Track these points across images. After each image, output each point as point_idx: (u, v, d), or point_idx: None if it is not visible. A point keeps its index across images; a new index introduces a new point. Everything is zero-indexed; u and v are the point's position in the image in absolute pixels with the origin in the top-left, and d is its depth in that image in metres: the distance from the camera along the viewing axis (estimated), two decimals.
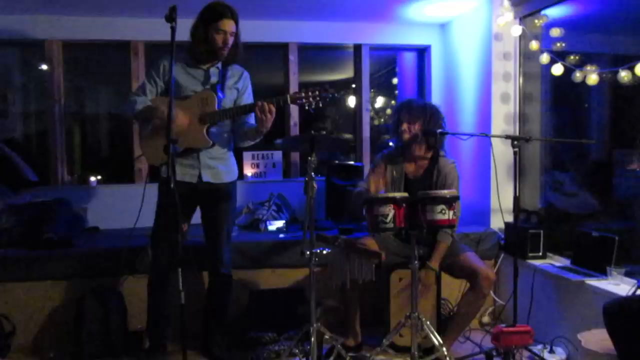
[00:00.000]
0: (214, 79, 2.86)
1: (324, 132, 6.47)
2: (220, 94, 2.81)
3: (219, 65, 2.89)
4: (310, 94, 2.71)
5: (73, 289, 3.33)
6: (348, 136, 5.16)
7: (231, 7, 2.79)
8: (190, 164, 2.83)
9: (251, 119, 2.95)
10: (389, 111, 6.20)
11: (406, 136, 3.17)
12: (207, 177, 2.87)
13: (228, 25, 2.77)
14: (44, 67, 4.33)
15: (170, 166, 2.27)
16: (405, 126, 3.17)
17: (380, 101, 6.97)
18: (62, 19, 4.21)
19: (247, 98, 2.98)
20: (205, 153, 2.84)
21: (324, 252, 2.70)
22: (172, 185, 2.25)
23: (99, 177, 4.51)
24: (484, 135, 3.35)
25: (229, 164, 2.99)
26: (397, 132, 3.24)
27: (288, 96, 2.74)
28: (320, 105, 2.73)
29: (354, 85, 4.99)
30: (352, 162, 4.62)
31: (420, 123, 3.17)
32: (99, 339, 3.11)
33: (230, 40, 2.80)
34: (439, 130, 3.18)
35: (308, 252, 2.64)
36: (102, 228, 4.20)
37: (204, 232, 3.00)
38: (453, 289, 3.63)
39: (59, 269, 3.34)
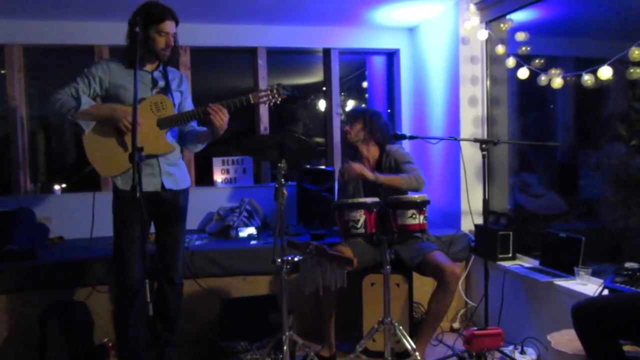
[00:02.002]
0: (161, 83, 2.78)
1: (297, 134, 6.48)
2: (173, 97, 2.76)
3: (161, 68, 2.81)
4: (269, 91, 2.72)
5: (37, 302, 3.22)
6: (319, 140, 5.15)
7: (170, 8, 2.70)
8: (151, 173, 2.73)
9: (195, 122, 2.92)
10: None
11: (350, 137, 3.38)
12: (169, 183, 2.80)
13: (170, 27, 2.69)
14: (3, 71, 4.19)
15: (136, 175, 2.21)
16: (347, 128, 3.39)
17: (350, 105, 6.99)
18: (23, 23, 4.08)
19: (189, 100, 2.96)
20: (163, 160, 2.76)
21: (295, 259, 2.67)
22: (137, 195, 2.18)
23: (64, 186, 4.38)
24: (452, 139, 3.37)
25: (183, 169, 2.93)
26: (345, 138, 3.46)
27: (250, 95, 2.69)
28: (278, 102, 2.74)
29: (324, 89, 4.98)
30: (322, 167, 4.60)
31: (360, 124, 3.35)
32: (64, 353, 3.01)
33: (171, 42, 2.73)
34: (409, 135, 3.25)
35: (279, 260, 2.61)
36: (68, 238, 4.08)
37: (156, 241, 2.91)
38: (426, 291, 3.65)
39: (21, 282, 3.22)
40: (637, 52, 2.56)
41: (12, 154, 4.18)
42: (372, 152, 3.40)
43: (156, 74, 2.78)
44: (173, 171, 2.82)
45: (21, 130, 4.18)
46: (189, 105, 2.93)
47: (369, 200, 2.59)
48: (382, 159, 3.36)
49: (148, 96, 2.71)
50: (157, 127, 2.68)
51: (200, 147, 2.96)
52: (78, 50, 4.32)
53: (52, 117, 2.97)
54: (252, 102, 2.69)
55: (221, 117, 2.65)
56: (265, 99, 2.70)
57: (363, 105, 3.67)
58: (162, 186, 2.77)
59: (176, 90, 2.84)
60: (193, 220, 4.37)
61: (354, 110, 3.59)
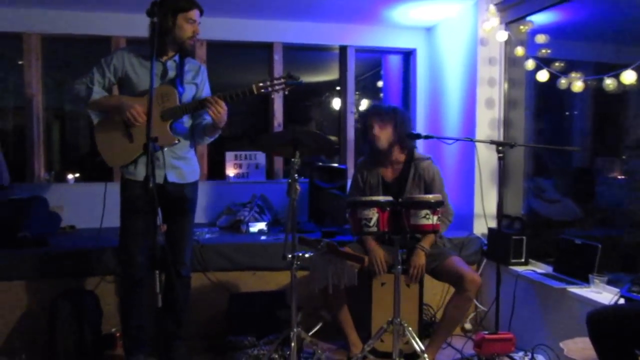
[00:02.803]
0: (171, 73, 2.75)
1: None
2: (180, 88, 2.71)
3: (177, 58, 2.78)
4: (275, 81, 2.62)
5: (47, 290, 3.23)
6: (333, 138, 5.12)
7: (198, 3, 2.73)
8: (155, 165, 2.70)
9: (207, 115, 2.84)
10: None
11: (379, 142, 3.15)
12: (172, 177, 2.77)
13: (197, 15, 2.73)
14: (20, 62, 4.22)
15: (150, 165, 2.20)
16: (377, 131, 3.16)
17: (365, 104, 6.95)
18: (41, 13, 4.10)
19: (206, 93, 2.89)
20: (168, 152, 2.74)
21: (306, 255, 2.65)
22: (150, 186, 2.18)
23: (77, 175, 4.40)
24: (469, 139, 3.32)
25: (192, 163, 2.89)
26: (367, 138, 3.23)
27: (253, 86, 2.61)
28: (286, 92, 2.67)
29: (339, 87, 4.95)
30: (335, 165, 4.57)
31: (391, 126, 3.17)
32: (72, 341, 3.01)
33: (198, 30, 2.74)
34: (424, 134, 3.19)
35: (290, 256, 2.59)
36: (79, 227, 4.09)
37: (165, 233, 2.86)
38: (435, 294, 3.62)
39: (32, 269, 3.23)
40: None
41: (27, 143, 4.20)
42: (396, 156, 3.22)
43: (169, 63, 2.75)
44: (179, 164, 2.79)
45: (37, 119, 4.20)
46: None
47: (382, 198, 2.56)
48: (409, 170, 3.18)
49: (155, 87, 2.63)
50: (161, 119, 2.64)
51: (207, 140, 2.90)
52: (95, 41, 4.34)
53: (70, 106, 2.98)
54: (255, 92, 2.60)
55: (218, 110, 2.60)
56: (270, 88, 2.61)
57: (391, 105, 3.39)
58: (165, 179, 2.73)
59: (191, 82, 2.81)
60: (204, 214, 4.37)
61: (385, 110, 3.22)
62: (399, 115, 3.20)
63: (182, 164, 2.81)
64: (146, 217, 2.60)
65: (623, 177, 4.23)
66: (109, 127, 2.70)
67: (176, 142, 2.71)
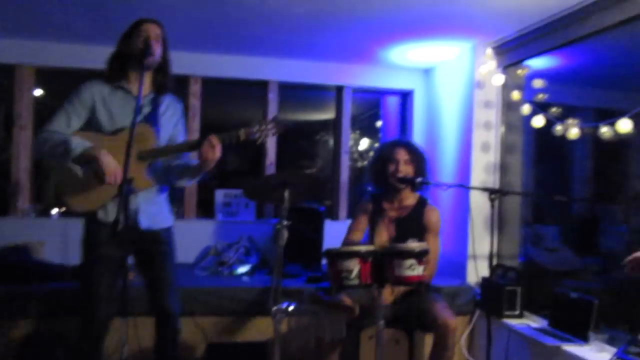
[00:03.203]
0: (146, 109, 2.54)
1: (310, 170, 6.39)
2: (158, 128, 2.53)
3: (152, 96, 2.59)
4: (263, 127, 2.48)
5: (17, 331, 3.08)
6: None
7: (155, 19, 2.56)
8: (126, 207, 2.42)
9: (186, 155, 2.67)
10: (372, 153, 6.12)
11: (398, 174, 3.08)
12: (145, 222, 2.54)
13: (150, 27, 2.50)
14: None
15: (122, 209, 2.09)
16: (402, 166, 3.11)
17: (364, 143, 6.89)
18: (34, 44, 4.07)
19: (182, 132, 2.71)
20: (141, 195, 2.52)
21: (290, 307, 2.51)
22: (118, 229, 2.06)
23: (63, 209, 4.30)
24: (461, 186, 3.22)
25: (165, 207, 2.68)
26: (384, 171, 3.14)
27: (241, 131, 2.46)
28: (273, 136, 2.55)
29: (335, 126, 4.88)
30: (314, 206, 4.26)
31: (414, 165, 3.13)
32: None
33: (157, 47, 2.48)
34: (419, 179, 3.09)
35: (274, 308, 2.46)
36: (60, 263, 3.97)
37: (146, 284, 2.65)
38: (428, 347, 3.44)
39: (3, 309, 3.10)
40: None
41: (12, 175, 4.13)
42: (406, 197, 3.17)
43: (145, 100, 2.54)
44: (151, 209, 2.58)
45: (25, 151, 4.13)
46: (181, 137, 2.69)
47: (363, 248, 2.42)
48: (420, 213, 3.11)
49: (125, 126, 2.44)
50: (137, 160, 2.43)
51: (187, 183, 2.71)
52: (88, 74, 4.29)
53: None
54: (241, 139, 2.46)
55: (215, 153, 2.42)
56: (258, 134, 2.47)
57: (415, 143, 3.38)
58: (137, 223, 2.51)
59: (168, 120, 2.63)
60: (190, 254, 4.23)
61: (416, 147, 3.23)
62: (424, 155, 3.22)
63: (155, 208, 2.61)
64: (113, 264, 2.44)
65: (624, 225, 4.09)
66: (71, 169, 2.44)
67: (151, 186, 2.54)
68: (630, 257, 2.23)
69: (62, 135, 2.41)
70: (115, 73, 2.54)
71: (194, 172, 2.59)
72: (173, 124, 2.66)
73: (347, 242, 3.18)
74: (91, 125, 2.51)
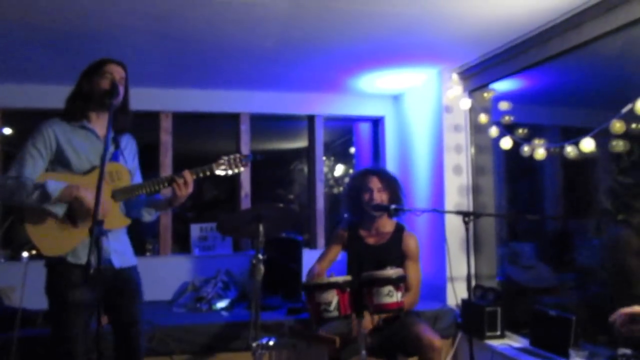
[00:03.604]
0: (110, 149, 2.51)
1: (288, 200, 6.37)
2: (127, 166, 2.55)
3: (112, 134, 2.53)
4: (232, 161, 2.55)
5: None
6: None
7: (119, 60, 2.57)
8: (99, 247, 2.49)
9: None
10: (347, 180, 6.15)
11: (372, 202, 3.09)
12: (118, 261, 2.50)
13: (115, 69, 2.48)
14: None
15: (93, 251, 2.03)
16: (376, 194, 3.12)
17: (339, 169, 6.92)
18: (1, 87, 4.03)
19: (138, 169, 2.73)
20: (112, 234, 2.47)
21: (270, 342, 2.48)
22: (89, 272, 2.01)
23: (34, 252, 4.19)
24: (435, 211, 3.26)
25: (129, 245, 2.65)
26: (359, 199, 3.15)
27: (213, 165, 2.52)
28: (242, 168, 2.57)
29: (308, 154, 4.90)
30: (292, 236, 4.24)
31: (389, 192, 3.15)
32: None
33: (120, 88, 2.46)
34: (393, 206, 3.10)
35: (254, 345, 2.43)
36: (30, 308, 3.85)
37: (112, 323, 2.58)
38: None
39: None
40: (618, 124, 2.49)
41: None
42: (383, 225, 3.19)
43: (107, 140, 2.41)
44: (120, 248, 2.55)
45: None
46: (137, 175, 2.69)
47: (340, 279, 2.41)
48: (398, 240, 3.14)
49: (96, 164, 2.43)
50: (112, 199, 2.43)
51: (154, 216, 2.70)
52: (57, 114, 4.24)
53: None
54: (214, 172, 2.51)
55: (188, 189, 2.46)
56: (225, 166, 2.52)
57: (388, 170, 3.45)
58: (111, 263, 2.47)
59: (128, 157, 2.62)
60: (167, 291, 4.16)
61: (388, 175, 3.27)
62: (398, 183, 3.24)
63: (123, 246, 2.59)
64: (85, 308, 2.38)
65: (596, 239, 4.16)
66: (42, 211, 2.36)
67: (128, 224, 2.52)
68: (617, 314, 2.13)
69: (32, 180, 2.36)
70: (77, 112, 2.50)
71: (162, 206, 2.62)
72: (131, 161, 2.65)
73: (312, 271, 3.16)
74: (57, 164, 2.45)
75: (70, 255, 2.41)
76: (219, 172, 2.54)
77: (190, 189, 2.47)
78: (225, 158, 2.55)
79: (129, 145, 2.67)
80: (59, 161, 2.44)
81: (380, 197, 3.13)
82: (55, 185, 2.34)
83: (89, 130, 2.51)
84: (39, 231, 2.39)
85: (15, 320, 3.32)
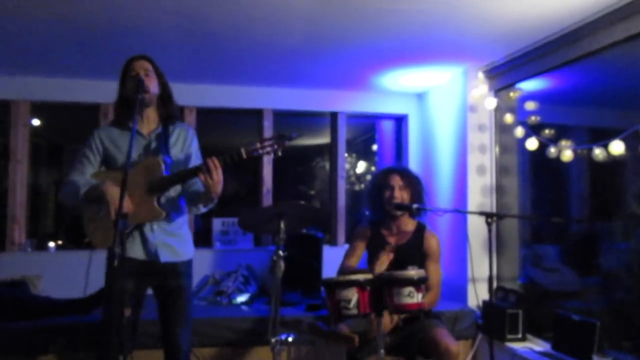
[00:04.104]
0: (153, 145, 2.57)
1: (309, 196, 6.38)
2: (166, 159, 2.53)
3: (159, 130, 2.60)
4: (266, 143, 2.43)
5: None
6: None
7: (143, 54, 2.59)
8: (144, 240, 2.52)
9: (198, 182, 2.59)
10: (369, 177, 6.12)
11: (393, 201, 3.05)
12: (165, 256, 2.54)
13: (138, 65, 2.52)
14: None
15: (119, 245, 2.07)
16: (397, 192, 3.08)
17: (361, 166, 6.91)
18: (29, 80, 4.11)
19: (197, 159, 2.68)
20: (159, 228, 2.53)
21: (289, 339, 2.49)
22: (115, 264, 2.05)
23: (59, 242, 4.29)
24: (457, 211, 3.22)
25: (186, 239, 2.66)
26: (380, 197, 3.13)
27: (242, 150, 2.40)
28: (279, 153, 2.45)
29: (331, 151, 4.90)
30: (313, 233, 4.27)
31: (410, 191, 3.11)
32: None
33: (150, 82, 2.49)
34: (415, 205, 3.06)
35: (273, 340, 2.44)
36: (58, 296, 3.94)
37: (160, 317, 2.63)
38: None
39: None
40: None
41: (9, 211, 4.12)
42: (405, 224, 3.14)
43: (152, 136, 2.58)
44: (170, 242, 2.56)
45: (20, 186, 4.13)
46: (198, 162, 2.63)
47: (361, 277, 2.40)
48: (419, 239, 3.09)
49: (140, 159, 2.51)
50: (147, 193, 2.45)
51: (202, 210, 2.65)
52: (84, 108, 4.33)
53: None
54: (244, 157, 2.39)
55: (212, 177, 2.37)
56: (260, 151, 2.40)
57: (410, 169, 3.37)
58: (157, 257, 2.51)
59: (179, 150, 2.61)
60: None
61: (410, 173, 3.20)
62: (420, 183, 3.18)
63: (175, 240, 2.58)
64: (125, 297, 2.38)
65: (623, 243, 4.07)
66: (95, 206, 2.49)
67: (163, 216, 2.50)
68: None
69: (77, 181, 2.52)
70: (121, 117, 2.59)
71: (203, 199, 2.56)
72: (185, 153, 2.63)
73: (343, 268, 3.15)
74: (108, 165, 2.59)
75: (117, 247, 2.48)
76: (252, 154, 2.41)
77: (220, 175, 2.40)
78: (258, 144, 2.43)
79: (181, 137, 2.64)
80: (109, 162, 2.58)
81: (401, 195, 3.10)
82: (85, 182, 2.49)
83: (140, 135, 2.57)
84: (91, 224, 2.54)
85: (43, 309, 3.43)
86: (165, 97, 2.60)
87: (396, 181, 3.12)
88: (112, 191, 2.38)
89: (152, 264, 2.51)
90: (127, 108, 2.54)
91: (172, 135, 2.62)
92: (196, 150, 2.71)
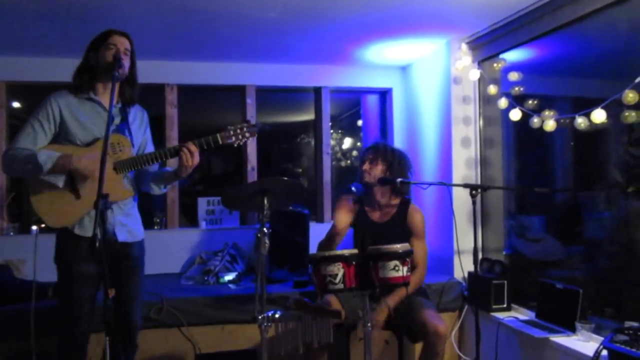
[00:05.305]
0: (117, 120, 2.52)
1: (295, 173, 6.35)
2: (130, 137, 2.51)
3: (120, 105, 2.56)
4: (239, 130, 2.48)
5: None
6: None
7: (122, 31, 2.53)
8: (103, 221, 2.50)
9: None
10: (355, 153, 6.10)
11: (366, 177, 3.07)
12: (122, 236, 2.51)
13: (119, 40, 2.45)
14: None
15: (99, 225, 2.03)
16: (366, 166, 3.08)
17: (347, 142, 6.87)
18: (7, 60, 4.00)
19: (149, 140, 2.70)
20: (117, 208, 2.48)
21: (275, 315, 2.50)
22: (97, 246, 2.01)
23: (43, 225, 4.23)
24: (441, 184, 3.22)
25: (138, 219, 2.65)
26: (361, 173, 3.13)
27: (218, 136, 2.45)
28: (250, 138, 2.51)
29: (315, 127, 4.86)
30: (298, 209, 4.20)
31: (384, 166, 3.06)
32: None
33: (125, 59, 2.44)
34: (399, 180, 3.04)
35: (260, 317, 2.44)
36: (41, 281, 3.90)
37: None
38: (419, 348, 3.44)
39: None
40: (631, 95, 2.43)
41: None
42: (386, 198, 3.12)
43: (113, 109, 2.44)
44: (126, 222, 2.55)
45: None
46: (149, 147, 2.68)
47: (346, 252, 2.40)
48: (403, 214, 3.09)
49: (100, 136, 2.42)
50: (114, 171, 2.42)
51: (162, 190, 2.67)
52: (62, 87, 4.22)
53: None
54: (220, 142, 2.45)
55: (193, 159, 2.42)
56: (233, 139, 2.47)
57: (388, 144, 3.33)
58: (115, 236, 2.48)
59: (137, 130, 2.61)
60: (175, 264, 4.20)
61: (378, 147, 3.17)
62: (396, 157, 3.12)
63: (130, 220, 2.58)
64: (92, 281, 2.41)
65: (606, 212, 4.11)
66: (47, 183, 2.37)
67: (131, 195, 2.53)
68: None
69: (29, 151, 2.37)
70: (84, 85, 2.49)
71: (170, 179, 2.59)
72: (142, 133, 2.65)
73: (330, 234, 3.14)
74: (62, 137, 2.45)
75: (77, 227, 2.43)
76: (226, 141, 2.47)
77: (196, 160, 2.43)
78: (232, 128, 2.49)
79: (137, 117, 2.64)
80: (64, 133, 2.45)
81: (372, 169, 3.07)
82: (47, 155, 2.33)
83: (95, 102, 2.50)
84: (43, 203, 2.41)
85: (28, 292, 3.39)
86: (131, 78, 2.55)
87: (367, 156, 3.12)
88: (88, 165, 2.32)
89: (110, 243, 2.43)
90: (89, 76, 2.48)
91: (130, 114, 2.60)
92: (149, 133, 2.72)
